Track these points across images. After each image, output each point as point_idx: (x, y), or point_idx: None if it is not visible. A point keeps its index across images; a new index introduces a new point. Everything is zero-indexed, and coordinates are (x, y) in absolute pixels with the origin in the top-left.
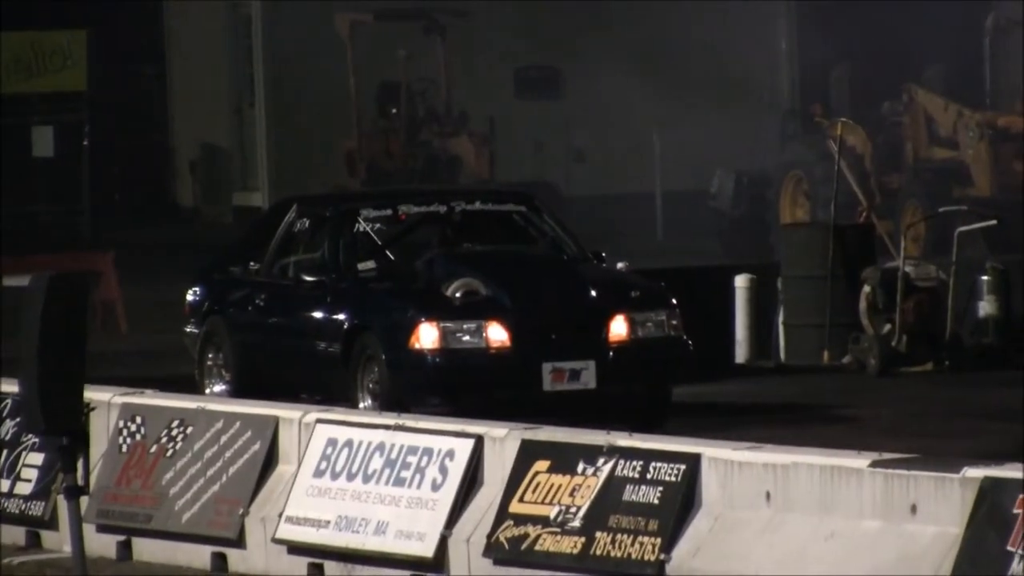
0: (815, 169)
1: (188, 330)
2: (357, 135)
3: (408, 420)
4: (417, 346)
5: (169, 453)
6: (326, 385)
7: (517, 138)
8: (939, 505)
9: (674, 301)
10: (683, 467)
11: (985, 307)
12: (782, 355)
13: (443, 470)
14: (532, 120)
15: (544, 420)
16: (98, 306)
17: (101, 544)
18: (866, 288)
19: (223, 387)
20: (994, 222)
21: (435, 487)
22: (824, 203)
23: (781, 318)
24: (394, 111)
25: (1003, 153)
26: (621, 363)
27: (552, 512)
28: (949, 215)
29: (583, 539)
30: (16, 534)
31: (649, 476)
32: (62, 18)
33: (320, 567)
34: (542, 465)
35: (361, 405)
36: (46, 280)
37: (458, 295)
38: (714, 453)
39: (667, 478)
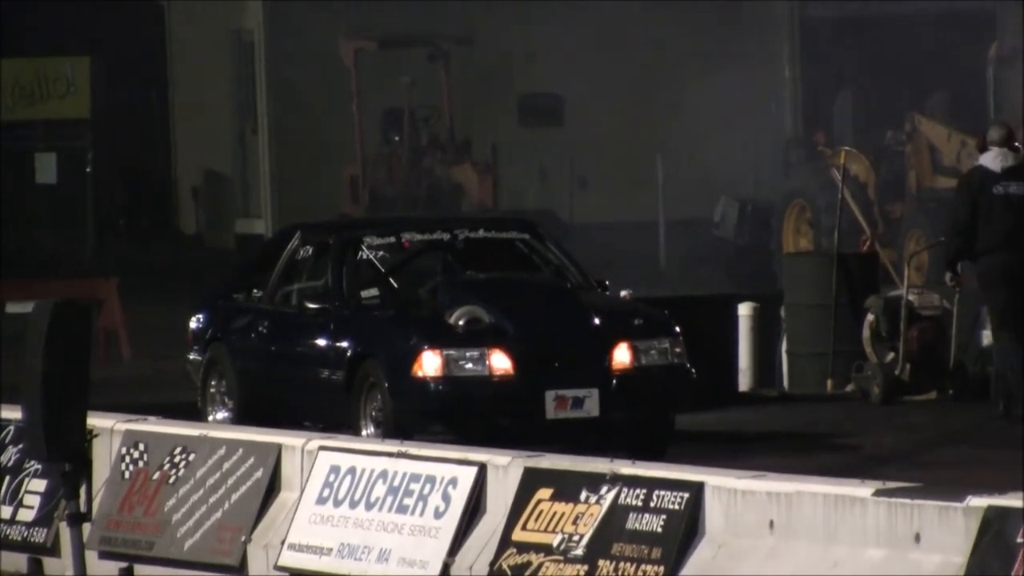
0: (818, 197)
1: (191, 357)
2: (360, 162)
3: (411, 448)
4: (420, 374)
5: (171, 480)
6: (329, 413)
7: (520, 166)
8: (943, 534)
9: (677, 329)
10: (686, 495)
11: (988, 336)
12: (785, 384)
13: (446, 498)
14: (535, 148)
15: (547, 448)
16: (101, 333)
17: (103, 571)
18: (869, 317)
19: (226, 414)
20: None
21: (438, 515)
22: (827, 231)
23: (784, 346)
24: (397, 138)
25: None
26: (624, 391)
27: (555, 540)
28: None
29: (586, 567)
30: (18, 561)
31: (652, 504)
32: (65, 45)
33: None
34: (545, 493)
35: (364, 433)
36: (50, 307)
37: (461, 323)
38: (718, 482)
39: (670, 506)
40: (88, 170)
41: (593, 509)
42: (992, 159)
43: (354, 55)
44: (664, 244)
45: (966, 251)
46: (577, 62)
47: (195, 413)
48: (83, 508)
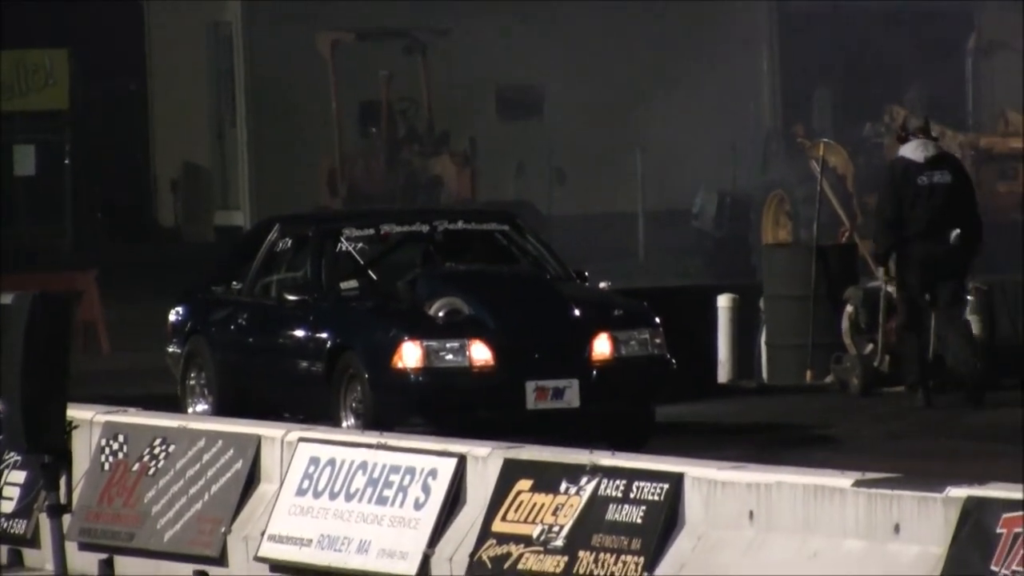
0: (797, 189)
1: (170, 350)
2: (338, 155)
3: (390, 439)
4: (400, 365)
5: (151, 471)
6: (309, 404)
7: (498, 158)
8: (922, 525)
9: (657, 320)
10: (666, 486)
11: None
12: (764, 375)
13: (426, 489)
14: (513, 140)
15: (527, 439)
16: (80, 325)
17: (83, 562)
18: (848, 308)
19: (206, 406)
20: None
21: (418, 506)
22: (806, 223)
23: (763, 338)
24: (375, 131)
25: (985, 174)
26: (605, 382)
27: (535, 531)
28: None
29: (566, 558)
30: None
31: (632, 495)
32: (43, 37)
33: None
34: (525, 484)
35: (344, 424)
36: (29, 299)
37: (441, 314)
38: (697, 472)
39: (650, 497)
40: (66, 162)
41: (573, 500)
42: (914, 149)
43: (331, 47)
44: (643, 236)
45: (896, 244)
46: (556, 54)
47: (174, 405)
48: (63, 500)
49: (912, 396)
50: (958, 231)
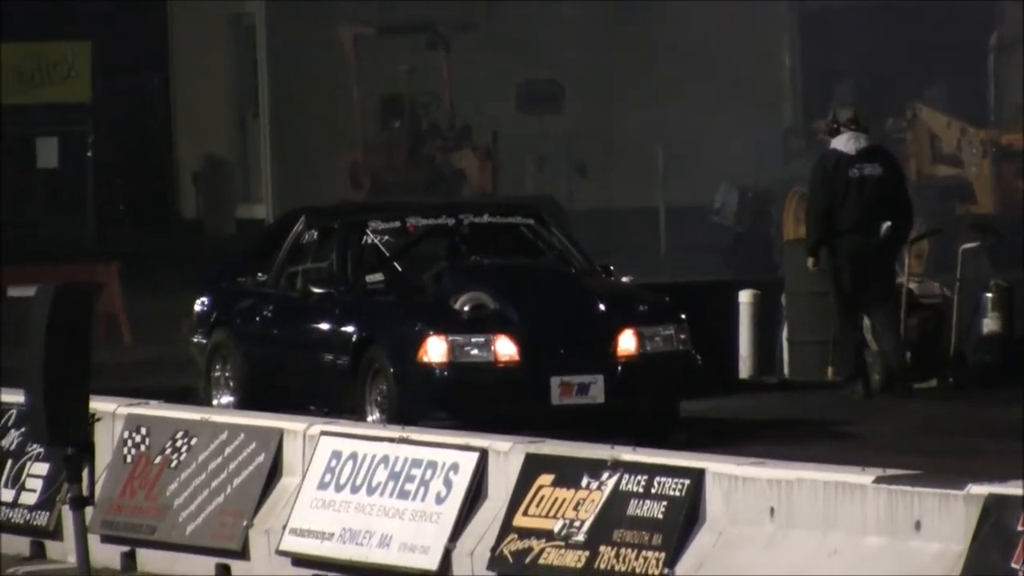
0: None
1: (195, 340)
2: (360, 148)
3: (412, 433)
4: (425, 359)
5: (173, 464)
6: (334, 397)
7: (520, 152)
8: (943, 522)
9: (683, 316)
10: (687, 482)
11: (989, 324)
12: (786, 371)
13: (447, 483)
14: (535, 134)
15: (552, 434)
16: (102, 317)
17: (105, 555)
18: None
19: (230, 398)
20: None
21: (439, 500)
22: None
23: (785, 334)
24: (397, 124)
25: (1006, 170)
26: (629, 378)
27: (556, 526)
28: (953, 232)
29: (587, 553)
30: (20, 544)
31: (653, 491)
32: (66, 29)
33: None
34: (546, 479)
35: (369, 418)
36: (52, 291)
37: (466, 309)
38: (718, 468)
39: (671, 493)
40: (89, 155)
41: (594, 495)
42: (845, 142)
43: (353, 41)
44: (664, 231)
45: (827, 235)
46: (577, 48)
47: (192, 397)
48: (85, 492)
49: (850, 388)
50: (889, 224)
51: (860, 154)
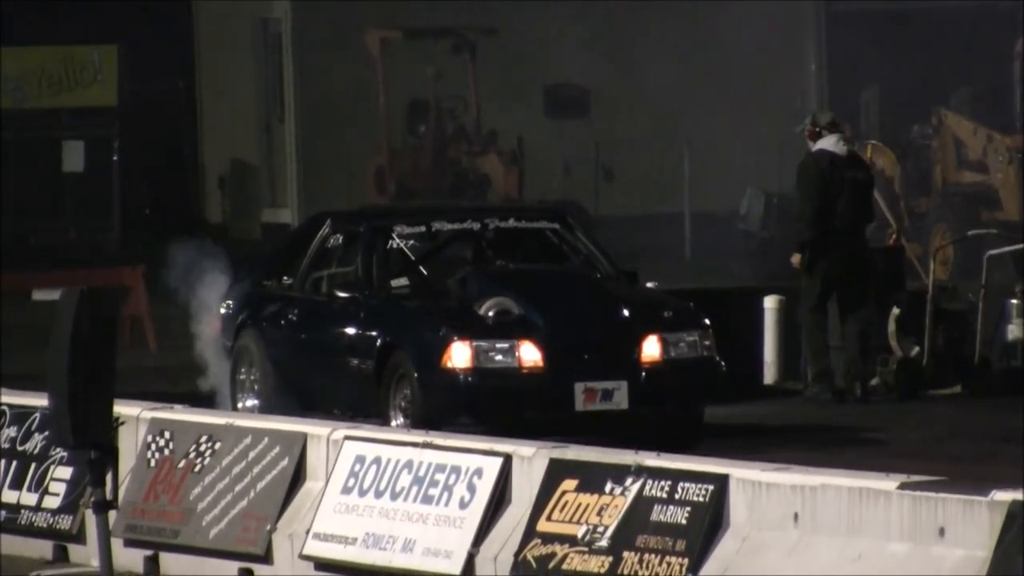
0: None
1: (220, 344)
2: (386, 152)
3: (436, 438)
4: (449, 365)
5: (197, 468)
6: (358, 402)
7: (546, 157)
8: (967, 528)
9: (707, 322)
10: (711, 488)
11: (1014, 331)
12: (810, 377)
13: (471, 488)
14: (561, 139)
15: (576, 440)
16: (127, 321)
17: (128, 559)
18: (895, 310)
19: (255, 401)
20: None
21: (463, 505)
22: None
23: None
24: (423, 129)
25: None
26: (654, 384)
27: (580, 531)
28: (978, 239)
29: (610, 559)
30: (44, 548)
31: (677, 496)
32: (92, 33)
33: None
34: (570, 484)
35: (393, 423)
36: (77, 295)
37: (491, 314)
38: (742, 474)
39: (695, 499)
40: (115, 159)
41: (618, 501)
42: (835, 144)
43: (380, 45)
44: (690, 237)
45: (820, 235)
46: (603, 54)
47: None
48: (109, 496)
49: (817, 389)
50: (874, 226)
51: (849, 157)
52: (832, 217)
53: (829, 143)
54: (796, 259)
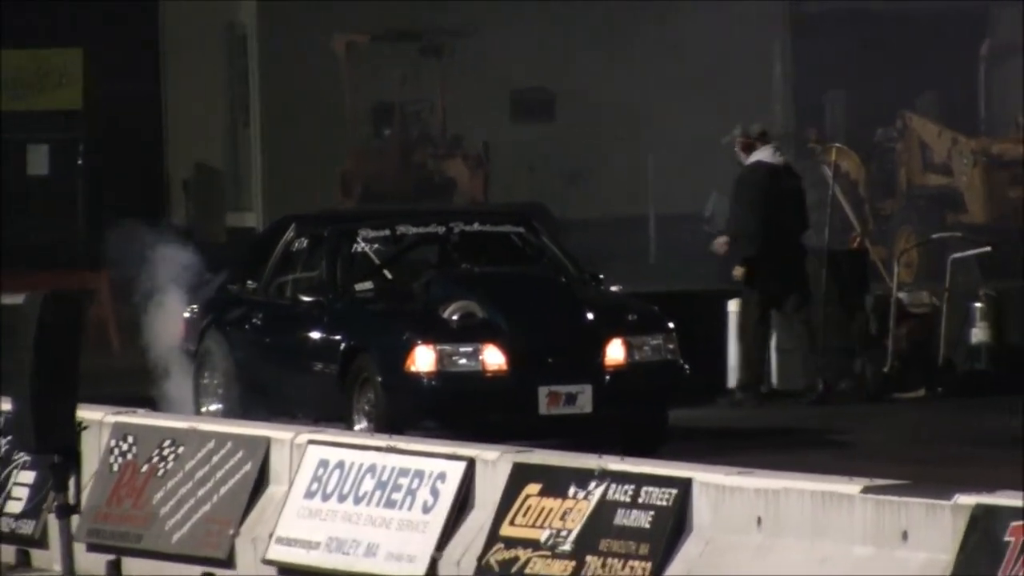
0: (809, 194)
1: (184, 348)
2: (352, 156)
3: (400, 442)
4: (413, 368)
5: (160, 473)
6: (322, 406)
7: (511, 160)
8: (930, 532)
9: (671, 325)
10: (674, 491)
11: (978, 334)
12: (775, 380)
13: (434, 492)
14: (526, 142)
15: (540, 443)
16: (91, 324)
17: (91, 563)
18: (860, 313)
19: (219, 405)
20: (988, 249)
21: (426, 509)
22: (818, 229)
23: (774, 343)
24: (388, 132)
25: (997, 180)
26: (618, 387)
27: (543, 535)
28: (943, 242)
29: (574, 563)
30: (6, 552)
31: (640, 500)
32: (59, 36)
33: None
34: (533, 488)
35: (357, 427)
36: (41, 298)
37: (455, 317)
38: (705, 478)
39: (658, 502)
40: (80, 162)
41: (581, 505)
42: (771, 154)
43: (346, 48)
44: (655, 239)
45: (764, 247)
46: (569, 57)
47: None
48: (72, 500)
49: (741, 396)
50: (809, 232)
51: (784, 167)
52: (773, 228)
53: (765, 154)
54: (739, 272)
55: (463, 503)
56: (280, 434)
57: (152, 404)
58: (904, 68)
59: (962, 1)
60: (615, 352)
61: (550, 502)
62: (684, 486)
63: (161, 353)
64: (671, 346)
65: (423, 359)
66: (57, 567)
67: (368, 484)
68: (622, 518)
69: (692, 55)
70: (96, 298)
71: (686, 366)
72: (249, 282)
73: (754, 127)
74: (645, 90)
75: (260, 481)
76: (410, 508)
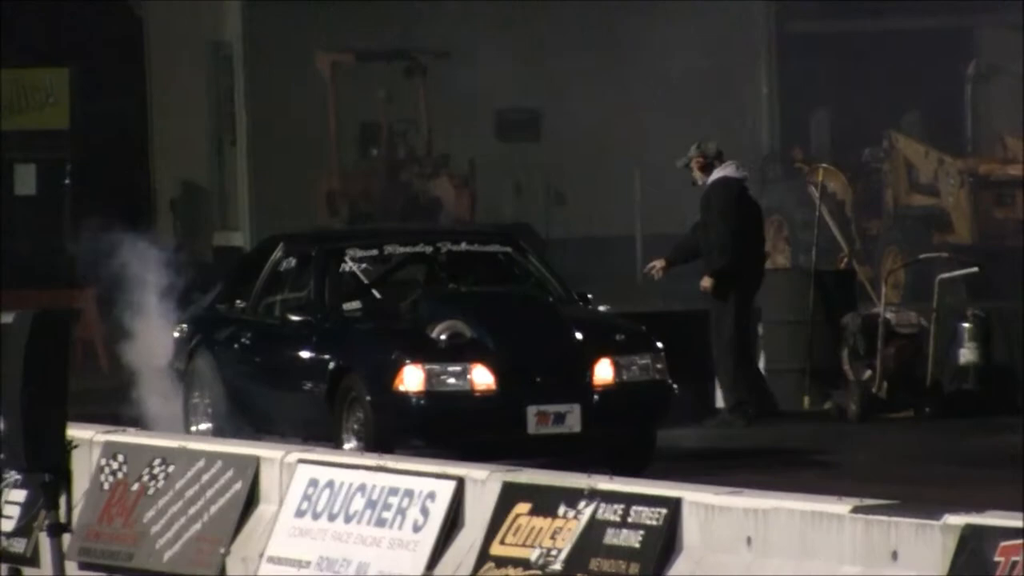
0: (795, 214)
1: (172, 367)
2: (338, 175)
3: (390, 461)
4: (401, 388)
5: (151, 491)
6: (311, 425)
7: (497, 180)
8: (920, 552)
9: (659, 345)
10: (664, 511)
11: (966, 354)
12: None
13: (424, 511)
14: (512, 162)
15: (529, 463)
16: (78, 343)
17: None
18: (847, 334)
19: (208, 424)
20: (975, 269)
21: (416, 528)
22: (805, 248)
23: (762, 363)
24: (375, 152)
25: (983, 200)
26: (606, 407)
27: (533, 555)
28: (929, 262)
29: None
30: None
31: (630, 519)
32: (44, 56)
33: None
34: (523, 507)
35: (346, 446)
36: (30, 317)
37: (443, 337)
38: (695, 497)
39: (648, 522)
40: (67, 181)
41: (571, 524)
42: (735, 170)
43: (331, 68)
44: (641, 259)
45: (735, 258)
46: (554, 77)
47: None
48: (63, 519)
49: (730, 417)
50: (767, 251)
51: (745, 184)
52: (747, 244)
53: (730, 170)
54: (709, 283)
55: (453, 522)
56: (270, 453)
57: (141, 423)
58: (890, 87)
59: (948, 20)
60: (603, 371)
61: (540, 521)
62: (674, 505)
63: (149, 372)
64: (659, 366)
65: (411, 378)
66: None
67: (358, 503)
68: (612, 537)
69: (678, 75)
70: (83, 317)
71: (675, 385)
72: (238, 301)
73: (710, 146)
74: (630, 109)
75: (250, 500)
76: (400, 527)
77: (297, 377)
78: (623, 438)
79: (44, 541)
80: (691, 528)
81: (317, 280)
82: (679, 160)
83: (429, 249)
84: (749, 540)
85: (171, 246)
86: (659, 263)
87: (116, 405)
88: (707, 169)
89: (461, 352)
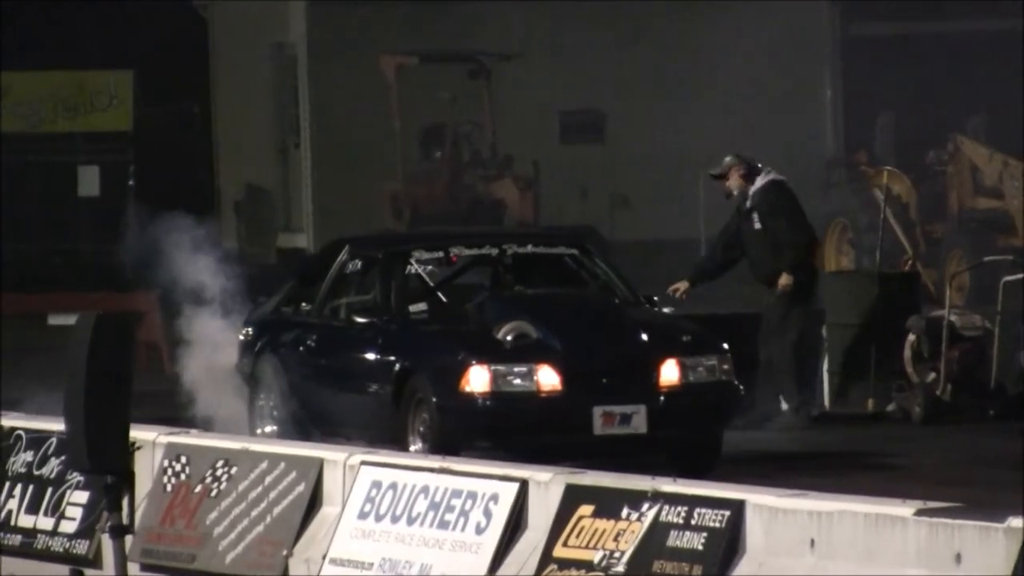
0: (859, 217)
1: (239, 370)
2: (401, 178)
3: (453, 463)
4: (467, 389)
5: (213, 493)
6: (377, 427)
7: (561, 182)
8: (983, 554)
9: (725, 346)
10: (727, 513)
11: None
12: (827, 403)
13: (487, 513)
14: (576, 164)
15: (594, 464)
16: (142, 346)
17: None
18: (911, 337)
19: (273, 427)
20: None
21: (479, 530)
22: (868, 251)
23: (826, 365)
24: (438, 154)
25: None
26: (672, 408)
27: (596, 557)
28: (994, 265)
29: None
30: (60, 572)
31: (693, 522)
32: (108, 58)
33: None
34: (586, 510)
35: (412, 448)
36: (93, 319)
37: (509, 338)
38: (758, 500)
39: (711, 524)
40: (130, 183)
41: (634, 526)
42: (777, 174)
43: (396, 71)
44: None
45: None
46: (618, 79)
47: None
48: (125, 520)
49: (796, 419)
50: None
51: None
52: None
53: (774, 175)
54: (788, 280)
55: (516, 524)
56: (333, 455)
57: (205, 425)
58: (954, 90)
59: (1013, 21)
60: (669, 373)
61: (603, 523)
62: (737, 508)
63: (215, 375)
64: (726, 367)
65: (477, 379)
66: None
67: (421, 505)
68: (675, 540)
69: (742, 79)
70: (146, 320)
71: (741, 387)
72: (303, 304)
73: (746, 153)
74: (695, 112)
75: (313, 502)
76: (463, 529)
77: (363, 379)
78: (689, 440)
79: (106, 543)
80: (754, 530)
81: (383, 282)
82: (713, 169)
83: (495, 251)
84: (812, 542)
85: (235, 249)
86: (682, 285)
87: (180, 408)
88: (749, 177)
89: (527, 353)
